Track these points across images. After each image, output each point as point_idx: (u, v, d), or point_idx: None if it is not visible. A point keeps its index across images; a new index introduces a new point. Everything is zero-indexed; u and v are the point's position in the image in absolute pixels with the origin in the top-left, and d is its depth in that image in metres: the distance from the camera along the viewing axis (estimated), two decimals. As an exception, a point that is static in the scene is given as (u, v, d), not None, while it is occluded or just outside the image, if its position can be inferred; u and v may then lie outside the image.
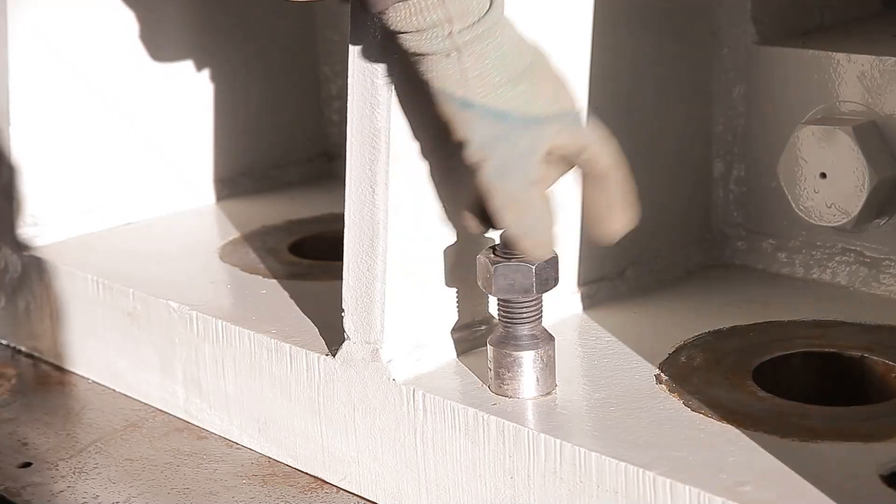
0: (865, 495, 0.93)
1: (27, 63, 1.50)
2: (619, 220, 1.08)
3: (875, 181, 1.22)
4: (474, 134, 1.02)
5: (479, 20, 0.99)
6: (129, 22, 1.57)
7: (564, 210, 1.23)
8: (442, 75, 1.01)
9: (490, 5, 0.99)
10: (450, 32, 0.99)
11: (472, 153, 1.03)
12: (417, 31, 0.99)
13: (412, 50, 1.01)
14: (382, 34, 1.06)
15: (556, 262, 1.08)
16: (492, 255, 1.08)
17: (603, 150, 1.07)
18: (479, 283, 1.09)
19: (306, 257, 1.47)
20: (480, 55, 1.00)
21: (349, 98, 1.12)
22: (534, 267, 1.06)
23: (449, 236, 1.14)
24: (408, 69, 1.04)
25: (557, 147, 1.04)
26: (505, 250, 1.08)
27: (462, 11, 0.98)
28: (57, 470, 1.25)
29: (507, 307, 1.08)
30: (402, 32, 1.00)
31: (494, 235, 1.11)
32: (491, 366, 1.10)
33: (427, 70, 1.02)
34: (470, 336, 1.17)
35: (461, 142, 1.03)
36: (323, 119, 1.79)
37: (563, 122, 1.04)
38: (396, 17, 0.99)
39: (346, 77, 1.11)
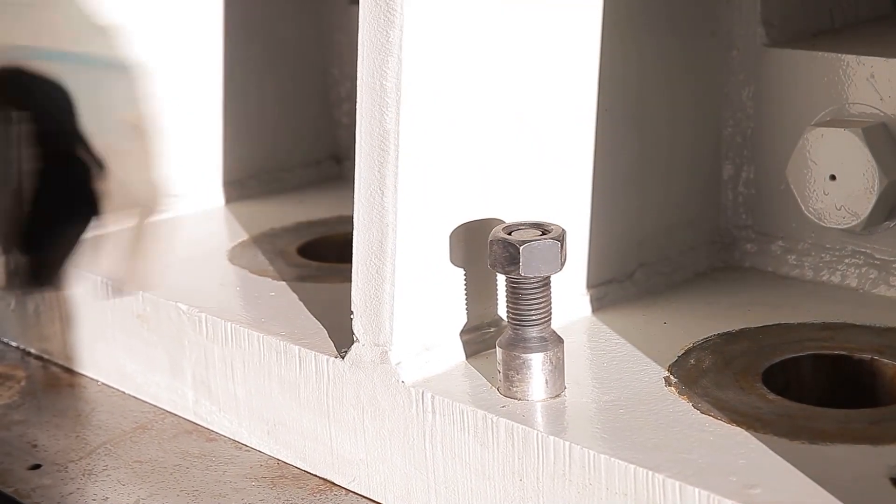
0: (874, 497, 0.93)
1: (37, 66, 1.50)
2: None
3: (885, 183, 1.22)
4: None
5: None
6: (138, 24, 1.57)
7: (569, 211, 1.23)
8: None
9: None
10: None
11: None
12: None
13: None
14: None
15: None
16: (513, 237, 1.07)
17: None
18: (497, 264, 1.07)
19: (315, 259, 1.47)
20: None
21: (358, 100, 1.12)
22: (559, 243, 1.06)
23: (458, 239, 1.14)
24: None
25: None
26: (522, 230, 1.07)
27: None
28: (66, 472, 1.25)
29: (517, 308, 1.08)
30: None
31: (502, 217, 1.11)
32: (500, 368, 1.09)
33: None
34: (479, 338, 1.17)
35: None
36: (332, 121, 1.79)
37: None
38: None
39: (356, 79, 1.11)
